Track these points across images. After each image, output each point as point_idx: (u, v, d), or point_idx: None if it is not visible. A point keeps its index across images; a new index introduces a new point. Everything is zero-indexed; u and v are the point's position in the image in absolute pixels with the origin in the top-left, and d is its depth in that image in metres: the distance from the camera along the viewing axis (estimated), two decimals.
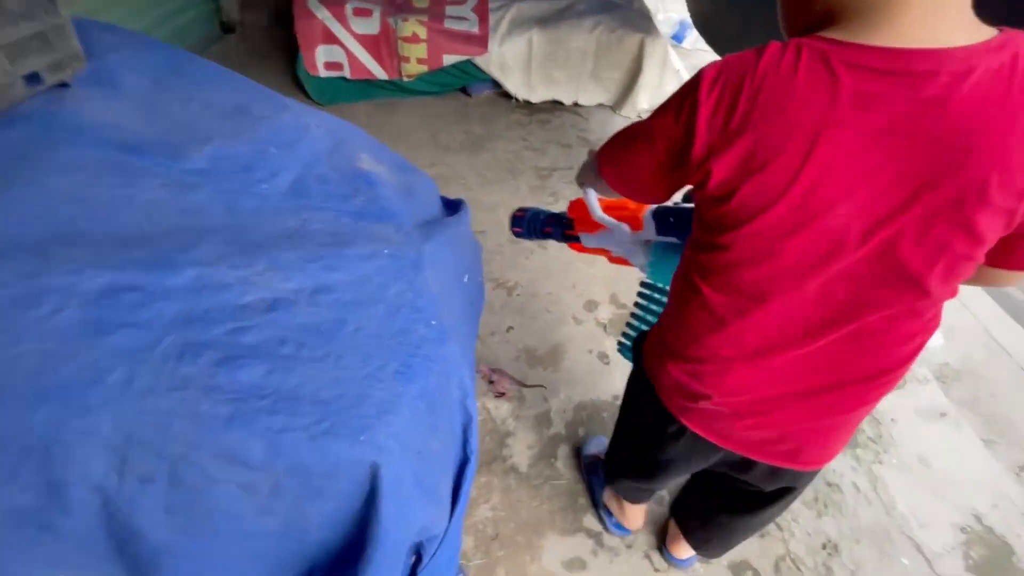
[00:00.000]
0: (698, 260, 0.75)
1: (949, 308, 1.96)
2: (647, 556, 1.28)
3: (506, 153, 2.73)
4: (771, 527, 1.34)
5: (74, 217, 0.86)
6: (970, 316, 1.99)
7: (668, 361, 0.84)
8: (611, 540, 1.30)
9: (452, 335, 1.02)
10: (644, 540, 1.30)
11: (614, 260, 1.17)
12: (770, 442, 0.81)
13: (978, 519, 1.41)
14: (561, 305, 1.90)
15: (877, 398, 0.78)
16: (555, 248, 2.15)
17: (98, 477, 0.70)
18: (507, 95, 3.15)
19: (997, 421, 1.65)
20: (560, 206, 2.34)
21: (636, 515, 1.26)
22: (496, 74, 3.04)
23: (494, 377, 1.56)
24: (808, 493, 1.42)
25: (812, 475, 0.93)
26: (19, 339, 0.69)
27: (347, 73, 3.02)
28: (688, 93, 0.65)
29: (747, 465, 0.87)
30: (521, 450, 1.47)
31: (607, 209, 1.07)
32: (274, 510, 0.80)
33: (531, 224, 1.31)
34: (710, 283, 0.73)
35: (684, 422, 0.85)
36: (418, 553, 1.02)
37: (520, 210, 1.35)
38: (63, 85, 1.15)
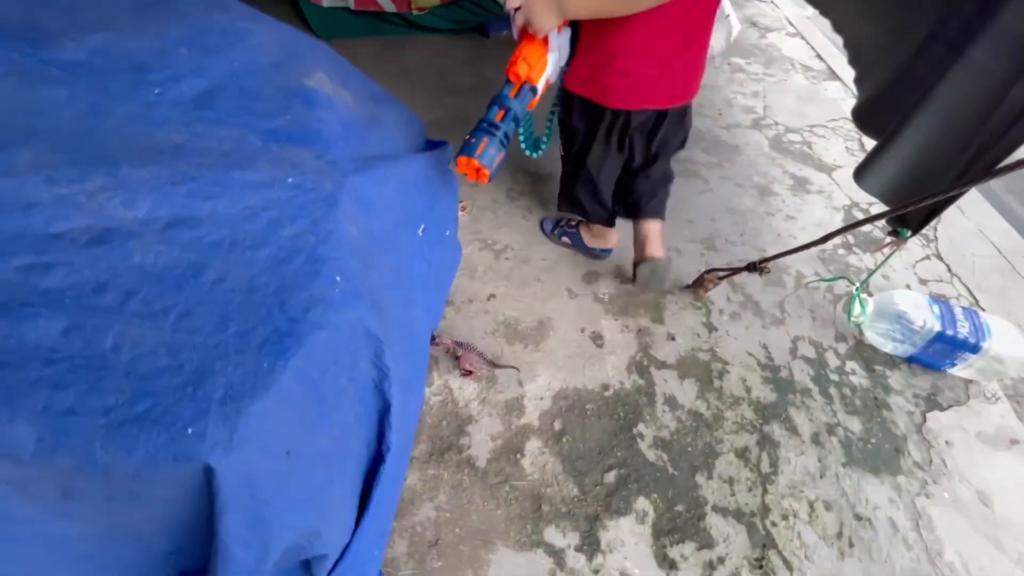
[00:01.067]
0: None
1: None
2: None
3: None
4: (780, 566, 1.08)
5: None
6: None
7: (602, 76, 1.22)
8: (574, 559, 1.06)
9: (369, 300, 0.77)
10: (616, 561, 1.06)
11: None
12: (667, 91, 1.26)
13: None
14: (556, 274, 1.63)
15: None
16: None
17: None
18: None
19: None
20: None
21: (610, 234, 1.62)
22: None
23: (460, 352, 1.31)
24: (832, 525, 1.15)
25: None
26: None
27: (351, 3, 2.73)
28: None
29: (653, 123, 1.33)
30: (482, 440, 1.23)
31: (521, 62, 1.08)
32: (76, 514, 0.59)
33: (481, 131, 1.05)
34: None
35: (619, 106, 1.26)
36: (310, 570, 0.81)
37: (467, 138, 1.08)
38: None
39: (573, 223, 1.71)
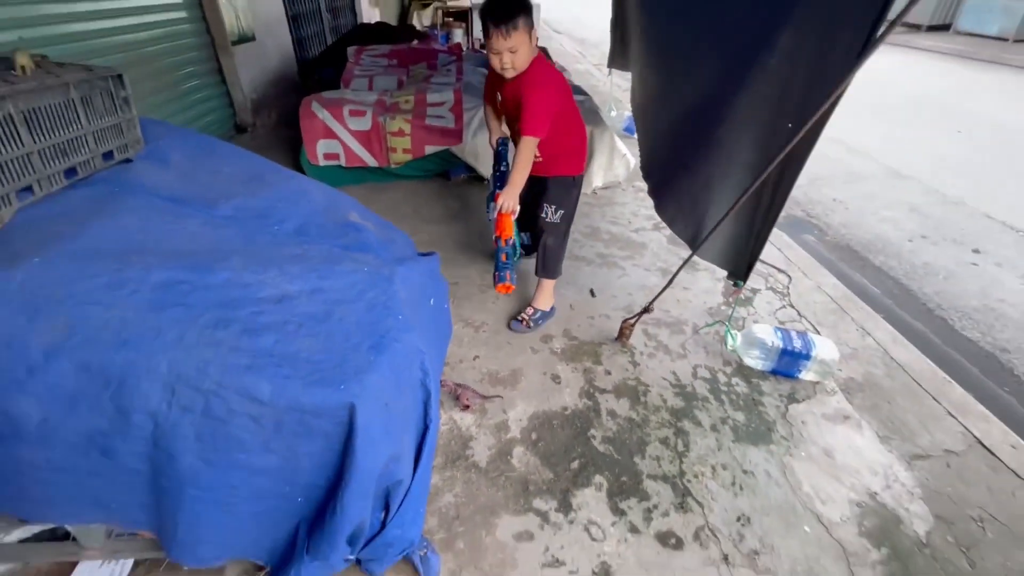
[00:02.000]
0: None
1: (853, 335, 2.30)
2: (586, 529, 1.48)
3: (478, 224, 3.17)
4: (693, 504, 1.56)
5: (141, 240, 1.21)
6: (872, 340, 2.32)
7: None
8: (555, 517, 1.50)
9: (415, 329, 1.33)
10: (584, 515, 1.51)
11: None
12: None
13: (872, 496, 1.63)
14: (521, 339, 2.21)
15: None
16: (517, 293, 2.50)
17: (153, 405, 0.98)
18: (480, 177, 3.68)
19: (893, 423, 1.91)
20: (526, 264, 2.73)
21: (551, 296, 2.38)
22: (470, 161, 3.57)
23: (459, 392, 1.82)
24: (726, 476, 1.65)
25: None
26: (110, 307, 1.00)
27: (343, 162, 3.54)
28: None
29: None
30: (482, 451, 1.70)
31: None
32: (275, 447, 1.07)
33: (502, 268, 1.90)
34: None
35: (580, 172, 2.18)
36: (387, 504, 1.26)
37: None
38: (127, 160, 1.55)
39: (530, 311, 2.30)
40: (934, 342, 2.48)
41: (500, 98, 2.09)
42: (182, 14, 3.58)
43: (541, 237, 2.21)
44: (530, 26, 1.78)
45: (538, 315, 2.32)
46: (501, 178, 2.11)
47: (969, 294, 2.80)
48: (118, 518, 1.14)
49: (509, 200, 1.86)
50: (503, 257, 1.88)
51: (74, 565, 1.32)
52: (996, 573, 1.43)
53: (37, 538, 1.29)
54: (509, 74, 1.85)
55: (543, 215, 2.15)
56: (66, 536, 1.30)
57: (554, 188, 2.12)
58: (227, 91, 4.12)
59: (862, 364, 2.19)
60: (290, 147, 3.84)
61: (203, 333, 1.05)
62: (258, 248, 1.36)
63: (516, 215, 1.90)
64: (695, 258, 2.00)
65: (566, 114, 2.01)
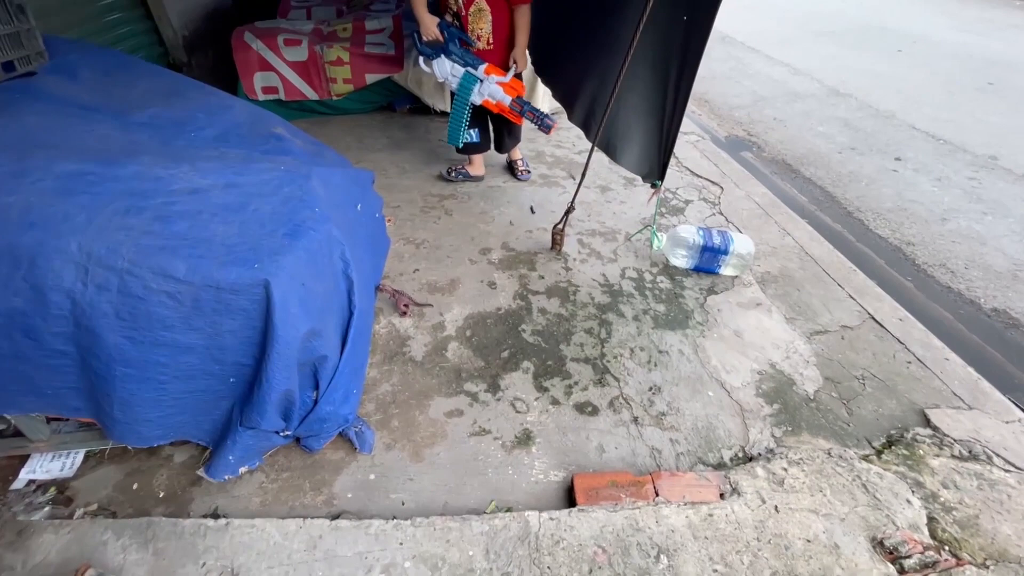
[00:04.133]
0: None
1: (774, 236, 2.46)
2: (512, 404, 1.63)
3: (422, 152, 3.18)
4: (610, 380, 1.72)
5: (46, 137, 1.22)
6: (791, 240, 2.49)
7: None
8: (484, 396, 1.65)
9: (334, 223, 1.39)
10: (511, 393, 1.66)
11: None
12: None
13: (772, 365, 1.82)
14: (460, 252, 2.30)
15: None
16: (459, 214, 2.57)
17: (68, 283, 1.04)
18: (426, 109, 3.64)
19: (800, 306, 2.09)
20: (468, 188, 2.78)
21: (480, 164, 2.83)
22: (413, 89, 3.52)
23: (397, 297, 1.92)
24: (643, 356, 1.82)
25: None
26: (12, 192, 1.04)
27: (282, 95, 3.45)
28: None
29: None
30: (418, 348, 1.82)
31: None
32: (196, 325, 1.15)
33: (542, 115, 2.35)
34: None
35: None
36: (317, 383, 1.37)
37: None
38: (31, 74, 1.52)
39: (520, 163, 2.89)
40: (848, 239, 2.67)
41: None
42: None
43: (499, 123, 2.64)
44: None
45: (463, 171, 2.83)
46: (455, 54, 2.31)
47: (885, 197, 2.98)
48: (55, 405, 1.22)
49: (524, 60, 2.35)
50: (533, 111, 2.31)
51: (26, 459, 1.40)
52: (869, 418, 1.63)
53: None
54: None
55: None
56: (17, 434, 1.37)
57: None
58: (155, 27, 3.89)
59: (779, 260, 2.35)
60: (229, 84, 3.70)
61: (112, 219, 1.09)
62: (172, 149, 1.38)
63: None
64: (636, 176, 2.10)
65: None
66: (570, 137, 3.44)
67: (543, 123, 2.32)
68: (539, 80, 3.58)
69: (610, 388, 1.70)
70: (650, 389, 1.70)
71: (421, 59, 2.36)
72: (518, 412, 1.61)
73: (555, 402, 1.64)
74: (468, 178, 2.85)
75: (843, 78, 4.68)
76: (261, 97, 3.44)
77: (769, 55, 5.46)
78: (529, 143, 3.33)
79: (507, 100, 2.33)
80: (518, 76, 2.45)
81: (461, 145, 2.54)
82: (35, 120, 1.26)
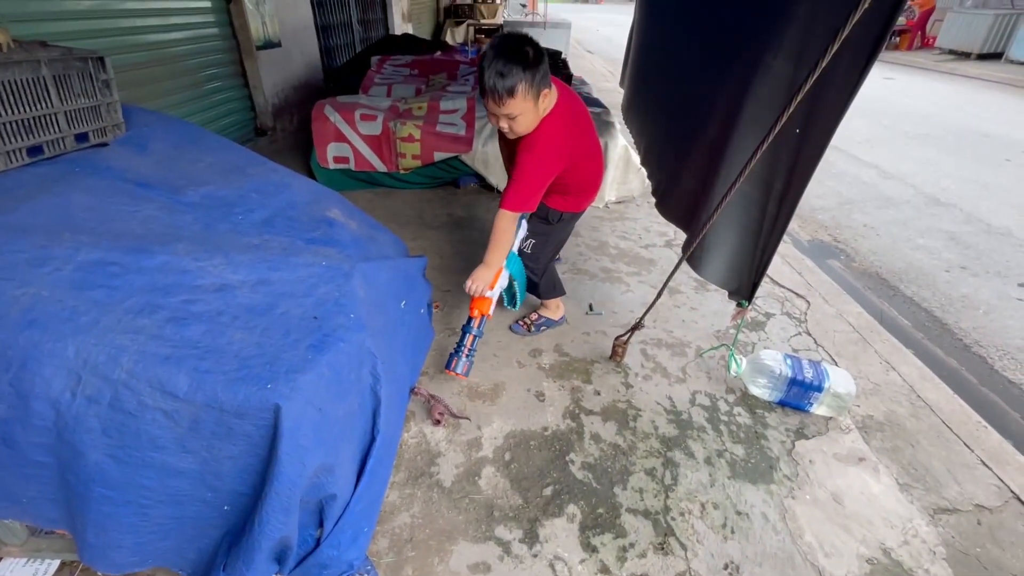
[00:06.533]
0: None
1: (876, 369, 2.09)
2: (551, 565, 1.33)
3: (480, 232, 3.08)
4: (675, 546, 1.38)
5: (85, 218, 1.15)
6: (897, 376, 2.10)
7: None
8: (518, 548, 1.35)
9: (369, 331, 1.23)
10: (550, 548, 1.36)
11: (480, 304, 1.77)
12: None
13: (886, 553, 1.42)
14: (508, 352, 2.09)
15: None
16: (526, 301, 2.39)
17: (56, 393, 0.90)
18: (489, 187, 3.60)
19: (916, 469, 1.69)
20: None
21: (561, 306, 2.26)
22: (480, 169, 3.51)
23: (431, 402, 1.71)
24: (717, 517, 1.47)
25: None
26: (23, 284, 0.93)
27: (352, 165, 3.53)
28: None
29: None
30: (448, 469, 1.57)
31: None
32: (192, 447, 0.98)
33: (458, 352, 1.75)
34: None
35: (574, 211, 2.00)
36: (321, 521, 1.14)
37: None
38: (103, 144, 1.52)
39: (534, 316, 2.24)
40: (969, 382, 2.24)
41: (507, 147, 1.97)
42: (208, 18, 3.67)
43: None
44: (536, 90, 1.53)
45: (542, 321, 2.23)
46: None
47: (1012, 331, 2.53)
48: (31, 514, 1.06)
49: (478, 283, 1.69)
50: (469, 339, 1.75)
51: None
52: None
53: None
54: (511, 137, 1.66)
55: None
56: None
57: (531, 217, 1.97)
58: (249, 95, 4.19)
59: (884, 401, 1.97)
60: (306, 151, 3.86)
61: (123, 319, 0.97)
62: (213, 236, 1.29)
63: (495, 297, 1.79)
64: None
65: (575, 163, 1.78)
66: (636, 229, 3.26)
67: (454, 355, 1.75)
68: (625, 161, 3.49)
69: (675, 558, 1.37)
70: (726, 567, 1.36)
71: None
72: None
73: (605, 570, 1.33)
74: (551, 325, 2.26)
75: (943, 186, 4.30)
76: (332, 166, 3.52)
77: (855, 155, 5.18)
78: (592, 231, 3.17)
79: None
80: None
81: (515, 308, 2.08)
82: (81, 198, 1.20)
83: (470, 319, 1.78)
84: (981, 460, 1.73)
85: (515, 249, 1.92)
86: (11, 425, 0.90)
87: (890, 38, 1.08)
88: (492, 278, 1.73)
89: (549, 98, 1.61)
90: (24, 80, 1.28)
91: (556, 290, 2.18)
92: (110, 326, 0.94)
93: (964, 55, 11.61)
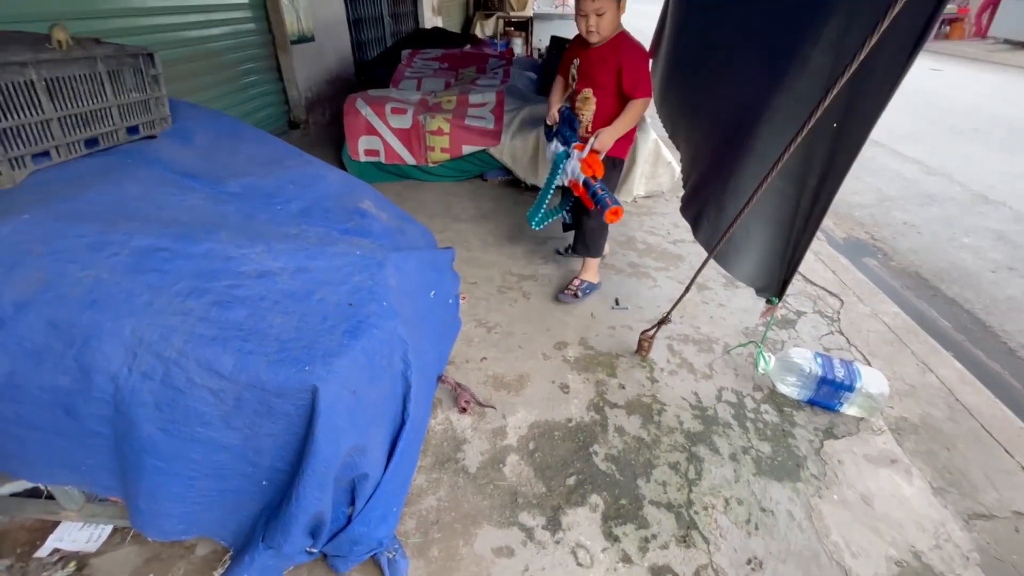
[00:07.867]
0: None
1: (912, 370, 2.03)
2: (573, 552, 1.35)
3: (507, 226, 3.10)
4: (697, 539, 1.39)
5: (137, 207, 1.22)
6: (934, 378, 2.04)
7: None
8: (541, 534, 1.38)
9: (401, 319, 1.26)
10: (573, 536, 1.38)
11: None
12: None
13: (916, 556, 1.39)
14: (534, 343, 2.11)
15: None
16: (536, 299, 2.41)
17: (115, 368, 0.96)
18: (517, 181, 3.62)
19: (952, 473, 1.65)
20: (549, 270, 2.63)
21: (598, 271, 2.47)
22: (507, 163, 3.52)
23: (458, 391, 1.74)
24: (740, 513, 1.47)
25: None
26: (86, 267, 1.00)
27: (383, 158, 3.59)
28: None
29: None
30: (474, 455, 1.61)
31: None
32: (235, 424, 1.03)
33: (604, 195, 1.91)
34: None
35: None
36: (353, 499, 1.19)
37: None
38: (152, 137, 1.59)
39: (577, 282, 2.39)
40: (1013, 387, 2.16)
41: (578, 65, 2.11)
42: (246, 13, 3.78)
43: (583, 216, 2.27)
44: None
45: (585, 285, 2.38)
46: (561, 135, 2.16)
47: None
48: (88, 481, 1.13)
49: (607, 139, 2.01)
50: (599, 191, 1.93)
51: (57, 524, 1.33)
52: None
53: (26, 495, 1.32)
54: (594, 38, 1.95)
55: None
56: (51, 497, 1.32)
57: (607, 170, 2.14)
58: (283, 88, 4.30)
59: (919, 403, 1.92)
60: (338, 144, 3.94)
61: (173, 301, 1.03)
62: (254, 224, 1.34)
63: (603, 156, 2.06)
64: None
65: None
66: (664, 224, 3.23)
67: (602, 203, 1.90)
68: (655, 155, 3.46)
69: (697, 551, 1.37)
70: (749, 563, 1.35)
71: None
72: (580, 565, 1.33)
73: (626, 559, 1.34)
74: (593, 289, 2.43)
75: (991, 183, 4.11)
76: (363, 159, 3.59)
77: (896, 150, 4.99)
78: (620, 225, 3.15)
79: (580, 177, 2.02)
80: (609, 161, 2.24)
81: (536, 227, 2.31)
82: (134, 188, 1.27)
83: (591, 177, 1.98)
84: (1022, 466, 1.67)
85: (565, 181, 2.12)
86: (74, 397, 0.97)
87: (940, 27, 1.05)
88: (611, 141, 2.04)
89: (623, 6, 1.95)
90: (82, 76, 1.36)
91: (602, 247, 2.39)
92: (162, 308, 1.00)
93: (1020, 45, 11.00)
